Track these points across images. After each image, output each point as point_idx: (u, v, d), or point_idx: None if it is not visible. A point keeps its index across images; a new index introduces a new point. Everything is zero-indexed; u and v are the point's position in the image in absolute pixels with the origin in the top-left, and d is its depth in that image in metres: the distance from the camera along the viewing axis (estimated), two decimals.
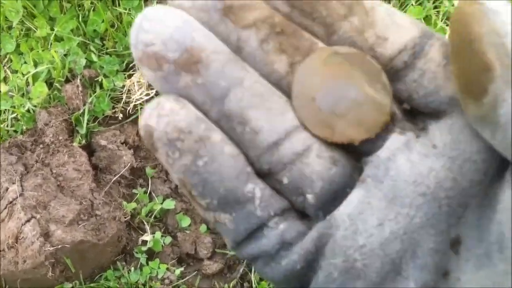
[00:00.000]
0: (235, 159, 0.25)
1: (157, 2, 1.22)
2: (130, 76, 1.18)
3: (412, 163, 0.24)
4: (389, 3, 1.26)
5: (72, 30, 1.16)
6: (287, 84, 0.26)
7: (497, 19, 0.22)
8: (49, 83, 1.16)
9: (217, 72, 0.24)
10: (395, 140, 0.25)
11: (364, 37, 0.25)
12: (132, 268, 1.13)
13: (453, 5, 1.25)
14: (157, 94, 1.17)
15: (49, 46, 1.17)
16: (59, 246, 0.98)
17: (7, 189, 1.01)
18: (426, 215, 0.24)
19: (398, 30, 0.25)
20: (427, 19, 1.26)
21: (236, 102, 0.24)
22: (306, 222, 0.26)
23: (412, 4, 1.25)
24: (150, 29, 0.24)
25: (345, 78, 0.25)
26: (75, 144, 1.12)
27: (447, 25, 1.26)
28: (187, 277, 1.14)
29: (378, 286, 0.24)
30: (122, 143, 1.15)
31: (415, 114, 0.26)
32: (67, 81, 1.16)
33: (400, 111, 0.26)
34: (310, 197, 0.25)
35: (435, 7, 1.27)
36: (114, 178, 1.12)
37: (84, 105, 1.13)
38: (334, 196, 0.25)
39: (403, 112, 0.26)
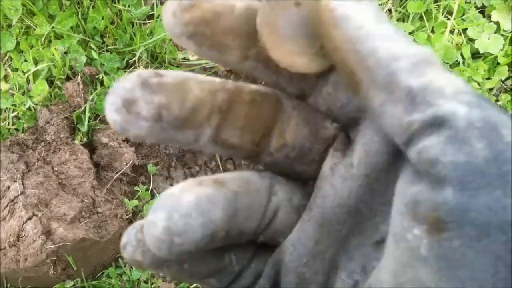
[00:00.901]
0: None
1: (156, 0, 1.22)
2: (131, 73, 1.17)
3: (334, 188, 0.27)
4: None
5: (72, 28, 1.16)
6: None
7: (349, 26, 0.22)
8: (50, 81, 1.16)
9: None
10: (323, 167, 0.28)
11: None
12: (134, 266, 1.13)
13: None
14: None
15: (49, 44, 1.17)
16: (61, 244, 0.98)
17: (8, 187, 1.01)
18: (351, 225, 0.27)
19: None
20: (427, 13, 1.26)
21: None
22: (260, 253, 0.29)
23: None
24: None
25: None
26: (77, 142, 1.12)
27: (448, 19, 1.25)
28: None
29: (326, 286, 0.28)
30: (123, 141, 1.15)
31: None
32: (68, 79, 1.16)
33: (336, 129, 0.28)
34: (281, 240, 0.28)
35: (436, 1, 1.27)
36: (116, 176, 1.12)
37: (85, 102, 1.13)
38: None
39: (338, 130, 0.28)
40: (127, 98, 0.24)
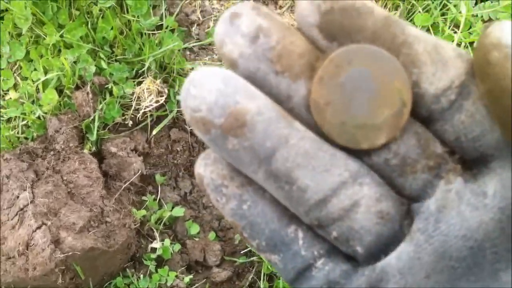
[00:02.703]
0: (276, 202, 0.27)
1: (165, 9, 1.22)
2: (139, 83, 1.18)
3: (462, 216, 0.25)
4: (396, 10, 1.27)
5: (81, 37, 1.16)
6: None
7: None
8: (59, 90, 1.16)
9: (263, 133, 0.25)
10: (444, 189, 0.25)
11: (408, 71, 0.25)
12: (142, 276, 1.13)
13: (460, 12, 1.26)
14: (166, 101, 1.17)
15: (58, 53, 1.18)
16: (70, 253, 0.98)
17: (18, 196, 1.01)
18: (469, 265, 0.25)
19: (444, 65, 0.25)
20: (434, 26, 1.27)
21: (283, 162, 0.25)
22: (352, 262, 0.27)
23: (419, 11, 1.26)
24: (196, 95, 0.24)
25: (358, 80, 0.25)
26: (86, 151, 1.12)
27: (454, 32, 1.26)
28: (196, 285, 1.13)
29: None
30: (131, 150, 1.15)
31: (461, 158, 0.26)
32: (77, 88, 1.17)
33: (447, 153, 0.26)
34: (359, 249, 0.26)
35: (443, 14, 1.28)
36: (124, 185, 1.12)
37: (94, 112, 1.14)
38: (384, 248, 0.26)
39: (449, 154, 0.26)
40: (235, 11, 0.25)
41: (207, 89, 0.24)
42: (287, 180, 0.25)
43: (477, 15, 1.28)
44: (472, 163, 0.26)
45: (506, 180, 0.25)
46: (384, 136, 0.25)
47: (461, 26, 1.25)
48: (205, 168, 0.26)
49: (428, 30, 1.27)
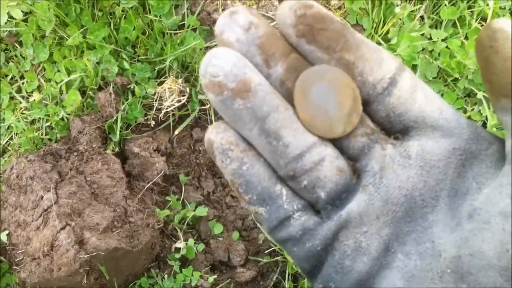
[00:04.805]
0: (267, 166, 0.35)
1: (187, 8, 1.22)
2: (161, 83, 1.17)
3: (395, 173, 0.35)
4: (422, 3, 1.24)
5: (104, 38, 1.17)
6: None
7: None
8: (82, 91, 1.17)
9: (262, 99, 0.34)
10: (381, 154, 0.35)
11: (355, 65, 0.34)
12: (166, 276, 1.12)
13: (487, 5, 1.22)
14: (188, 101, 1.17)
15: (81, 54, 1.18)
16: (94, 254, 0.98)
17: (42, 197, 1.01)
18: (406, 209, 0.35)
19: (380, 63, 0.34)
20: (461, 19, 1.24)
21: (274, 123, 0.34)
22: (319, 216, 0.36)
23: (445, 5, 1.23)
24: (216, 64, 0.33)
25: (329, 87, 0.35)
26: (109, 151, 1.13)
27: (481, 25, 1.23)
28: (221, 285, 1.13)
29: (377, 260, 0.35)
30: (154, 150, 1.15)
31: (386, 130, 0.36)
32: (100, 89, 1.17)
33: (375, 126, 0.36)
34: (322, 194, 0.35)
35: (469, 7, 1.25)
36: (147, 185, 1.12)
37: (117, 112, 1.14)
38: (339, 194, 0.35)
39: (377, 126, 0.36)
40: (234, 10, 0.34)
41: (225, 61, 0.33)
42: (276, 137, 0.34)
43: (504, 7, 1.25)
44: (397, 133, 0.36)
45: (425, 145, 0.35)
46: (355, 116, 0.35)
47: (489, 19, 1.22)
48: (216, 135, 0.35)
49: (454, 24, 1.24)
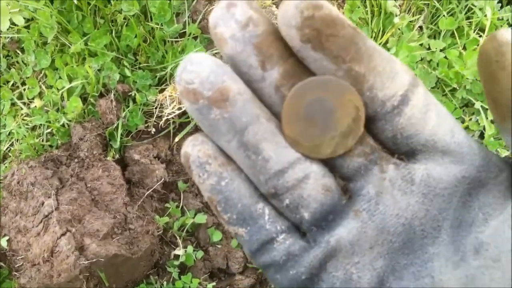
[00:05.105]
0: (248, 182, 0.32)
1: (188, 17, 1.23)
2: (162, 90, 1.18)
3: (394, 199, 0.31)
4: (420, 15, 1.25)
5: (105, 46, 1.18)
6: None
7: None
8: (84, 98, 1.18)
9: (240, 109, 0.30)
10: (379, 177, 0.32)
11: (365, 78, 0.30)
12: (165, 283, 1.13)
13: (485, 16, 1.23)
14: None
15: (83, 61, 1.19)
16: (94, 260, 0.98)
17: (42, 203, 1.02)
18: (403, 240, 0.31)
19: (394, 77, 0.30)
20: (459, 30, 1.25)
21: (253, 135, 0.30)
22: (306, 240, 0.32)
23: (444, 15, 1.24)
24: (192, 70, 0.30)
25: (323, 100, 0.31)
26: (109, 158, 1.13)
27: (480, 36, 1.24)
28: None
29: None
30: (154, 157, 1.15)
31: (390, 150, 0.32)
32: (101, 96, 1.18)
33: (377, 144, 0.32)
34: (306, 215, 0.31)
35: (467, 18, 1.26)
36: (147, 192, 1.12)
37: (118, 119, 1.14)
38: (325, 216, 0.32)
39: (380, 145, 0.32)
40: (232, 1, 0.30)
41: (202, 67, 0.29)
42: (255, 151, 0.31)
43: (502, 18, 1.26)
44: (402, 155, 0.32)
45: (431, 170, 0.31)
46: (351, 138, 0.31)
47: (487, 30, 1.23)
48: (193, 147, 0.31)
49: (452, 34, 1.25)
